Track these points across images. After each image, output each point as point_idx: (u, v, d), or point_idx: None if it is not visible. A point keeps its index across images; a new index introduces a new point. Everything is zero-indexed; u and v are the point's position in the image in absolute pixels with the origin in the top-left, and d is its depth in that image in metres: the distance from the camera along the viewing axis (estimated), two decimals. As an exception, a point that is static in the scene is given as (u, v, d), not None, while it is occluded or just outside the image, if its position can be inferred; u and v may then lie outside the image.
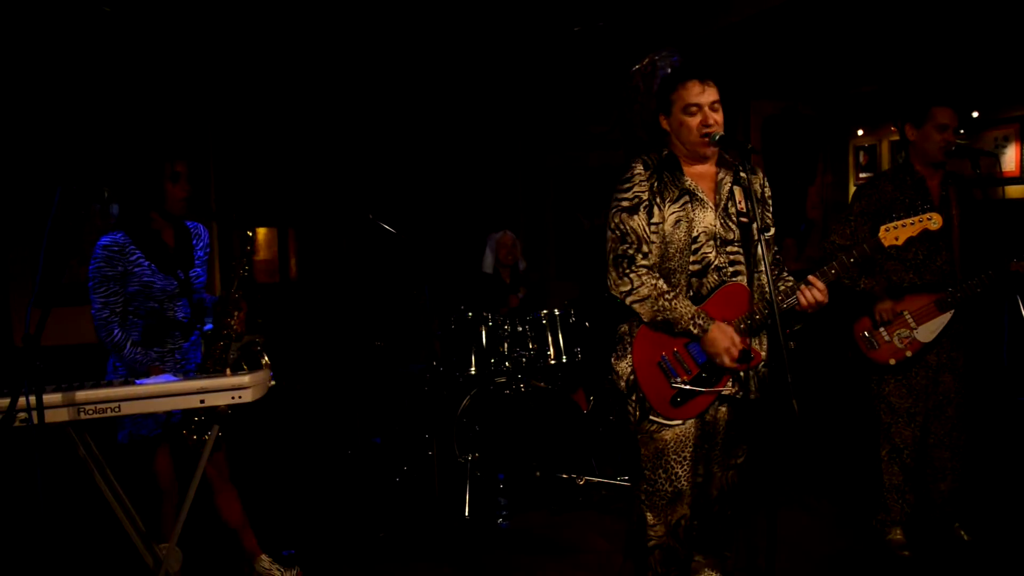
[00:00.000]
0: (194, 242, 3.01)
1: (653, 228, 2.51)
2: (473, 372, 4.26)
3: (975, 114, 5.41)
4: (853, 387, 3.49)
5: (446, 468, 4.17)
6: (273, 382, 3.02)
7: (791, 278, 2.58)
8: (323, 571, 3.41)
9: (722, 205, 2.54)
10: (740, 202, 2.54)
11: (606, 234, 2.58)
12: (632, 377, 2.55)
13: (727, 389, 2.53)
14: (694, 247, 2.50)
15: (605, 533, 3.67)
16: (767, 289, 2.36)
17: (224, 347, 2.80)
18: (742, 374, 2.53)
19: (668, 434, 2.52)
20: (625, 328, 2.61)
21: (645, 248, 2.50)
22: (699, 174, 2.57)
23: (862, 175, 6.30)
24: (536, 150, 6.89)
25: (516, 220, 6.82)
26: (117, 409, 2.34)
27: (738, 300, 2.51)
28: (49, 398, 2.25)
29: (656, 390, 2.51)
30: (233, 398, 2.44)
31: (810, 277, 2.48)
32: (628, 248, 2.50)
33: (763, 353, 2.55)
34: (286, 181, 6.00)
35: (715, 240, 2.51)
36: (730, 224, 2.53)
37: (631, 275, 2.49)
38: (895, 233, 2.52)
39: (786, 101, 6.48)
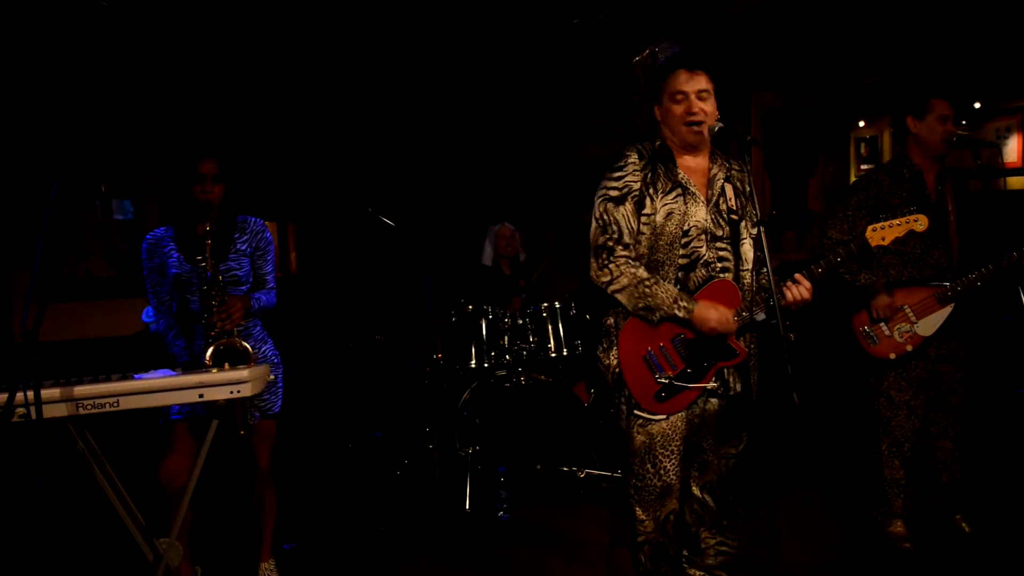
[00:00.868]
0: (235, 235, 2.98)
1: (644, 219, 2.50)
2: (473, 365, 4.25)
3: (977, 105, 5.39)
4: (851, 380, 3.48)
5: (447, 461, 4.17)
6: (273, 376, 3.01)
7: (774, 276, 2.59)
8: (324, 564, 3.41)
9: (714, 201, 2.54)
10: (731, 199, 2.55)
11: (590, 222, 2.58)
12: (618, 371, 2.55)
13: (711, 385, 2.53)
14: (684, 240, 2.50)
15: (606, 526, 3.67)
16: (753, 288, 2.39)
17: (215, 339, 2.79)
18: (726, 371, 2.55)
19: (654, 428, 2.52)
20: (611, 321, 2.61)
21: (627, 239, 2.50)
22: (692, 168, 2.57)
23: (863, 166, 6.29)
24: (536, 143, 6.88)
25: (516, 213, 6.82)
26: (116, 404, 2.34)
27: (728, 296, 2.51)
28: (47, 393, 2.24)
29: (641, 384, 2.51)
30: (232, 392, 2.43)
31: (796, 275, 2.48)
32: (608, 239, 2.51)
33: (746, 350, 2.56)
34: (286, 175, 5.99)
35: (706, 235, 2.51)
36: (720, 221, 2.53)
37: (610, 265, 2.50)
38: (881, 233, 2.52)
39: (787, 92, 6.47)
